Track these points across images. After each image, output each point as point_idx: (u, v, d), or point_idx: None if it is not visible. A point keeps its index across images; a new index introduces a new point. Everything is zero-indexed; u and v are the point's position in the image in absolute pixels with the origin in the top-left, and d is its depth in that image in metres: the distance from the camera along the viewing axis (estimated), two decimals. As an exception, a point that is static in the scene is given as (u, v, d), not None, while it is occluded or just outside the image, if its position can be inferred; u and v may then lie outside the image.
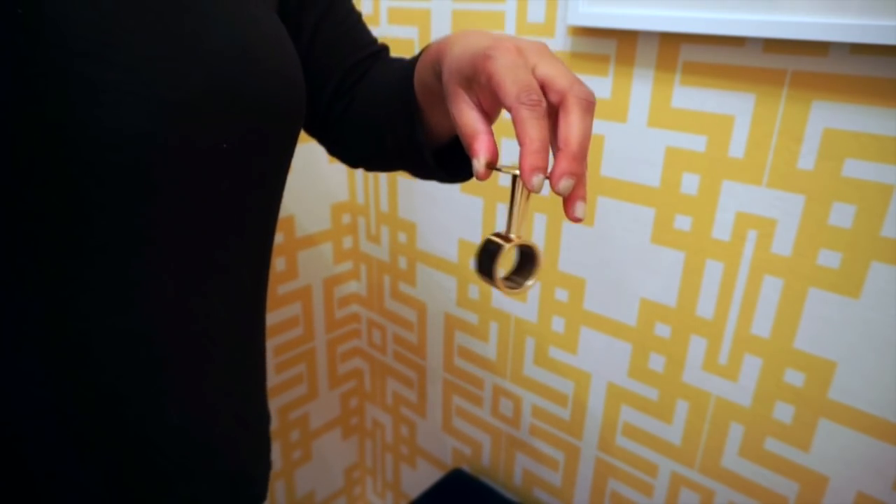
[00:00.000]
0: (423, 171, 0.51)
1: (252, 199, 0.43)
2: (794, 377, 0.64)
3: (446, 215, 0.93)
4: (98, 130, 0.32)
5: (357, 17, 0.55)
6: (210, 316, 0.43)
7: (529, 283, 0.37)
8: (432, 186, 0.94)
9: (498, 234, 0.36)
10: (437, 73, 0.42)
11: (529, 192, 0.32)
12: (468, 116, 0.37)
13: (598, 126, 0.71)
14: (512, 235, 0.35)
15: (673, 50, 0.63)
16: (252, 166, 0.42)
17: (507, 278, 0.38)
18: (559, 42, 0.72)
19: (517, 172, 0.32)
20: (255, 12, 0.41)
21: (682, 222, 0.68)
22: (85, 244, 0.35)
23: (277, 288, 1.02)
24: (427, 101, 0.46)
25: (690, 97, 0.64)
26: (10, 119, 0.31)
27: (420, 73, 0.46)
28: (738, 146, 0.62)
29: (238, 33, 0.38)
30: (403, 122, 0.48)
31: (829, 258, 0.59)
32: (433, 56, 0.43)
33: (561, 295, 0.82)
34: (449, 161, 0.50)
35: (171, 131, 0.35)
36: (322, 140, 0.59)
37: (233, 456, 0.49)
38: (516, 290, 0.37)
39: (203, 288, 0.41)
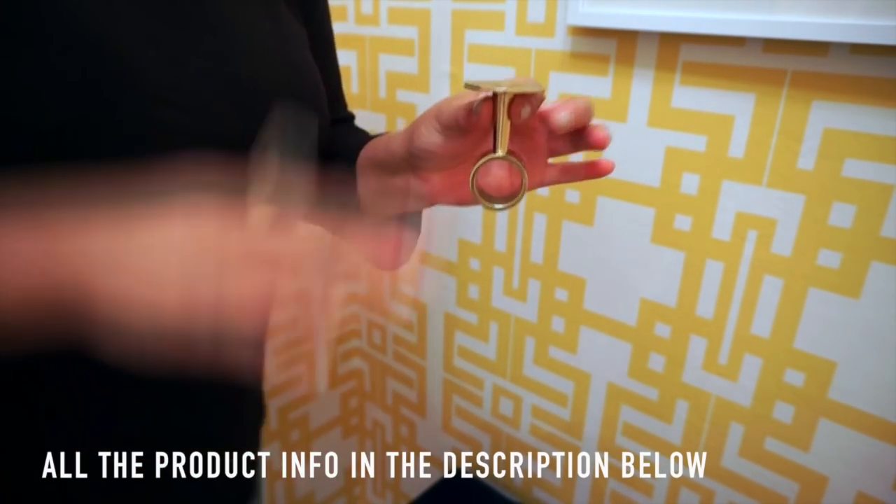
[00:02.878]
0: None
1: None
2: (794, 377, 0.64)
3: (446, 215, 0.93)
4: (157, 164, 0.34)
5: (339, 79, 0.56)
6: None
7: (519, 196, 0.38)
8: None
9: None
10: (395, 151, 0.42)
11: (510, 112, 0.34)
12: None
13: (598, 126, 0.71)
14: (500, 152, 0.36)
15: (673, 50, 0.63)
16: None
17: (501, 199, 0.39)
18: (559, 42, 0.72)
19: (498, 90, 0.33)
20: (298, 54, 0.43)
21: (682, 222, 0.68)
22: None
23: (277, 288, 1.02)
24: (366, 177, 0.47)
25: (690, 97, 0.64)
26: (77, 146, 0.32)
27: (372, 148, 0.46)
28: (738, 146, 0.62)
29: (287, 76, 0.41)
30: (340, 184, 0.48)
31: (829, 258, 0.59)
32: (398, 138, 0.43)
33: (561, 295, 0.82)
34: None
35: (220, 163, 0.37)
36: None
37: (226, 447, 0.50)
38: (512, 203, 0.38)
39: None
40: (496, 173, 0.40)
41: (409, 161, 0.40)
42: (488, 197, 0.38)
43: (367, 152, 0.47)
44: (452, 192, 0.41)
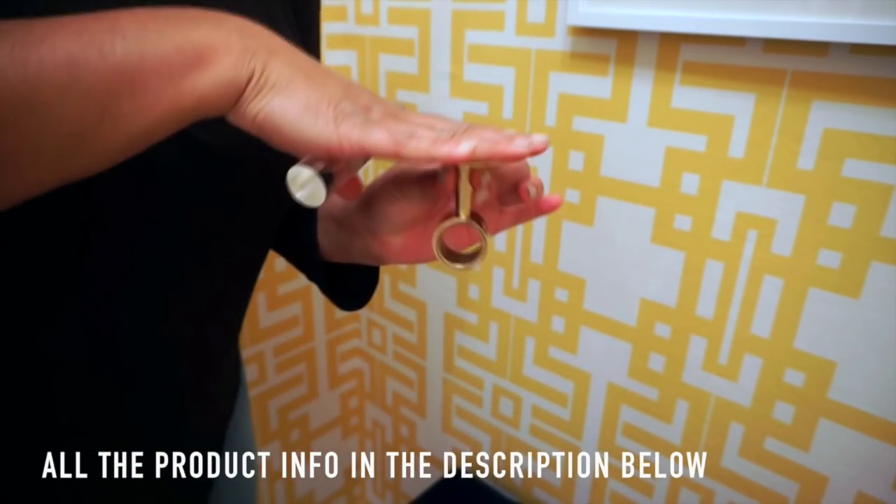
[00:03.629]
0: (305, 265, 0.52)
1: (257, 244, 0.46)
2: (794, 377, 0.64)
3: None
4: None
5: None
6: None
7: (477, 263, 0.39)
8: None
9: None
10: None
11: (472, 180, 0.35)
12: None
13: (598, 126, 0.71)
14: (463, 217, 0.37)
15: (673, 50, 0.63)
16: (266, 220, 0.44)
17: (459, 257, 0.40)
18: (559, 42, 0.72)
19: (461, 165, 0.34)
20: None
21: (682, 222, 0.68)
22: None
23: (277, 288, 1.02)
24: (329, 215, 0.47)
25: (690, 97, 0.64)
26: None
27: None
28: (738, 146, 0.62)
29: None
30: (300, 217, 0.49)
31: (829, 258, 0.59)
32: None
33: (561, 295, 0.82)
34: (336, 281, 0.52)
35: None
36: None
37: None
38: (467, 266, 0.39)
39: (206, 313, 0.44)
40: (457, 233, 0.41)
41: (367, 225, 0.41)
42: (450, 255, 0.39)
43: (326, 204, 0.47)
44: (410, 252, 0.42)
